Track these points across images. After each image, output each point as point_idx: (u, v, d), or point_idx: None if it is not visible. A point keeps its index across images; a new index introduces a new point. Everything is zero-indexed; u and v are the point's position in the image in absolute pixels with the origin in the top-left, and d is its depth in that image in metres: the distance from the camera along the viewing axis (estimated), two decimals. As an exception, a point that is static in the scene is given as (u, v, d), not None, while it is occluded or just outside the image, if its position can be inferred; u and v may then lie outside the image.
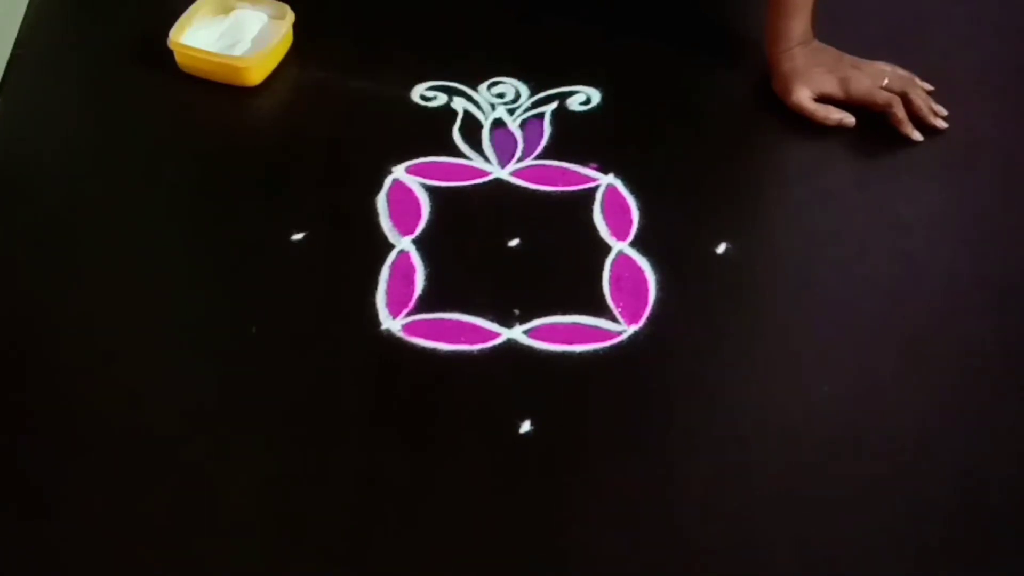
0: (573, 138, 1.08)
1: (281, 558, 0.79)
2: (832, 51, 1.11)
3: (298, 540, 0.80)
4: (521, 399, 0.88)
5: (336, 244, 0.99)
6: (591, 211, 1.02)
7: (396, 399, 0.88)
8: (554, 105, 1.12)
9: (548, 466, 0.84)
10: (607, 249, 0.99)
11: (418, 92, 1.12)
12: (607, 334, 0.92)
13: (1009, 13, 1.25)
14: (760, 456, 0.85)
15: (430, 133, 1.08)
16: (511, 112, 1.11)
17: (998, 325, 0.95)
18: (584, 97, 1.13)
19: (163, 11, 1.15)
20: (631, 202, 1.03)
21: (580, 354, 0.91)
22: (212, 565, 0.78)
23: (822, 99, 1.09)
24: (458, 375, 0.89)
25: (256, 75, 1.12)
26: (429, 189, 1.03)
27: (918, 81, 1.11)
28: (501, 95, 1.13)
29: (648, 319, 0.93)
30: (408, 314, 0.93)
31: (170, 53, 1.12)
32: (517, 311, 0.93)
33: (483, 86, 1.13)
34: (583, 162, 1.06)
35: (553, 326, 0.92)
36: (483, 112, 1.10)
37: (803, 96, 1.09)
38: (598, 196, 1.03)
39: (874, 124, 1.08)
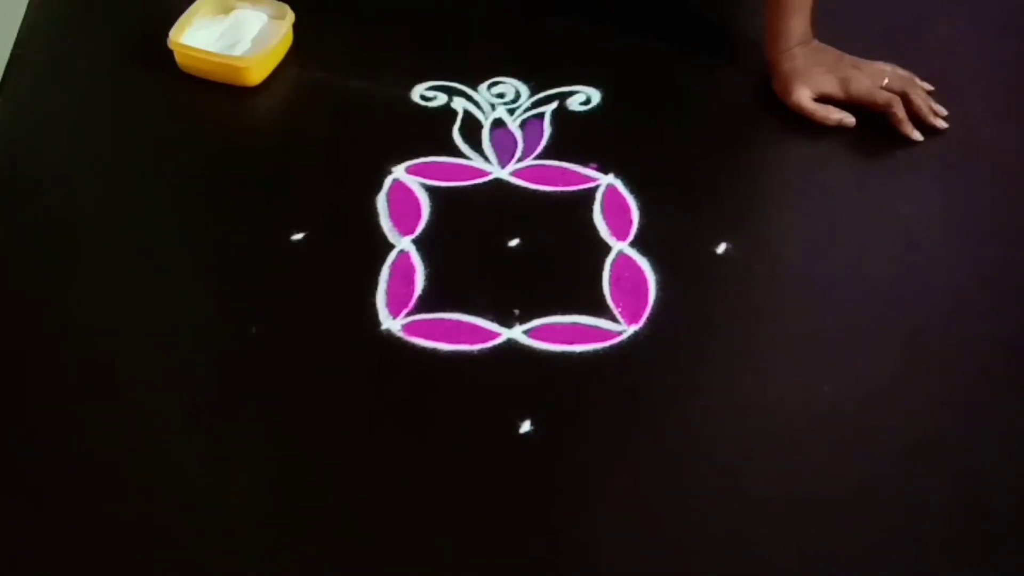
0: (573, 138, 1.08)
1: (281, 558, 0.79)
2: (832, 51, 1.11)
3: (298, 540, 0.80)
4: (521, 399, 0.88)
5: (336, 244, 0.99)
6: (591, 211, 1.02)
7: (396, 399, 0.88)
8: (554, 105, 1.12)
9: (548, 466, 0.84)
10: (607, 249, 0.99)
11: (418, 92, 1.12)
12: (607, 334, 0.92)
13: (1009, 13, 1.25)
14: (760, 456, 0.85)
15: (430, 133, 1.08)
16: (511, 112, 1.11)
17: (998, 325, 0.95)
18: (584, 97, 1.13)
19: (163, 11, 1.15)
20: (631, 202, 1.03)
21: (580, 354, 0.91)
22: (212, 565, 0.78)
23: (822, 99, 1.09)
24: (458, 375, 0.89)
25: (256, 75, 1.12)
26: (429, 189, 1.03)
27: (918, 81, 1.11)
28: (501, 95, 1.13)
29: (648, 319, 0.93)
30: (408, 314, 0.93)
31: (170, 53, 1.12)
32: (517, 311, 0.93)
33: (483, 86, 1.13)
34: (583, 162, 1.06)
35: (553, 326, 0.92)
36: (483, 112, 1.10)
37: (803, 96, 1.09)
38: (598, 196, 1.03)
39: (874, 124, 1.08)
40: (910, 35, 1.20)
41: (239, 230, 1.00)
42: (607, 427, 0.87)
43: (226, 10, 1.17)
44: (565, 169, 1.06)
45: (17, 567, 0.78)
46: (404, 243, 0.99)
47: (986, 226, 1.03)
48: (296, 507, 0.82)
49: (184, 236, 1.02)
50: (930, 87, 1.11)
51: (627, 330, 0.92)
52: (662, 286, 0.96)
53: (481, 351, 0.91)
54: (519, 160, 1.06)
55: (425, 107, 1.11)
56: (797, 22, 1.10)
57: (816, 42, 1.11)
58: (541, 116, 1.11)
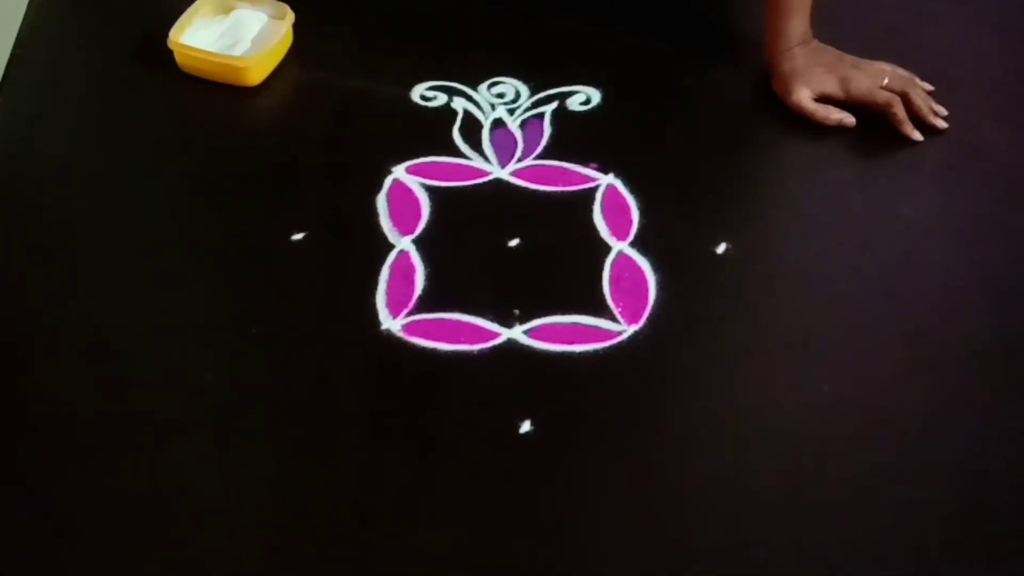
0: (573, 138, 1.08)
1: (281, 558, 0.79)
2: (832, 51, 1.11)
3: (298, 540, 0.80)
4: (521, 399, 0.88)
5: (336, 244, 0.99)
6: (591, 211, 1.02)
7: (396, 399, 0.88)
8: (554, 105, 1.12)
9: (548, 466, 0.84)
10: (607, 249, 0.99)
11: (418, 92, 1.12)
12: (607, 334, 0.92)
13: (1009, 13, 1.25)
14: (760, 456, 0.85)
15: (430, 133, 1.08)
16: (511, 112, 1.11)
17: (998, 324, 0.95)
18: (584, 97, 1.13)
19: (163, 11, 1.15)
20: (631, 202, 1.03)
21: (580, 354, 0.91)
22: (212, 565, 0.78)
23: (822, 99, 1.09)
24: (458, 375, 0.89)
25: (256, 75, 1.12)
26: (429, 189, 1.03)
27: (918, 81, 1.11)
28: (501, 95, 1.13)
29: (648, 319, 0.93)
30: (408, 314, 0.93)
31: (170, 53, 1.12)
32: (517, 311, 0.93)
33: (483, 86, 1.13)
34: (583, 162, 1.06)
35: (553, 326, 0.92)
36: (483, 112, 1.10)
37: (803, 96, 1.09)
38: (598, 196, 1.03)
39: (874, 124, 1.08)
40: (910, 35, 1.20)
41: (239, 230, 1.00)
42: (607, 427, 0.87)
43: (226, 10, 1.17)
44: (565, 169, 1.06)
45: (17, 567, 0.78)
46: (404, 243, 0.99)
47: (986, 226, 1.03)
48: (296, 507, 0.82)
49: (184, 236, 1.02)
50: (930, 87, 1.11)
51: (627, 330, 0.92)
52: (662, 286, 0.96)
53: (481, 351, 0.91)
54: (519, 160, 1.06)
55: (425, 107, 1.11)
56: (797, 22, 1.10)
57: (816, 42, 1.11)
58: (541, 116, 1.11)
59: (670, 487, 0.84)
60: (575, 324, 0.93)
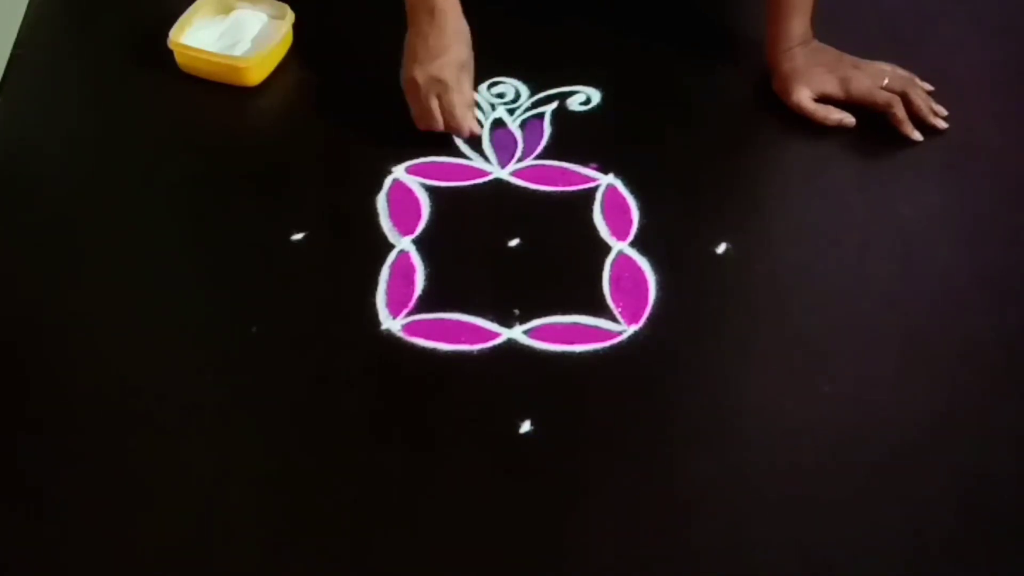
0: (573, 138, 1.08)
1: (281, 558, 0.79)
2: (832, 51, 1.11)
3: (298, 540, 0.80)
4: (521, 399, 0.88)
5: (336, 244, 0.99)
6: (591, 211, 1.02)
7: (396, 399, 0.88)
8: (554, 105, 1.12)
9: (548, 466, 0.84)
10: (607, 249, 0.99)
11: (418, 92, 1.12)
12: (607, 334, 0.92)
13: (1009, 13, 1.25)
14: (760, 456, 0.85)
15: (430, 133, 1.07)
16: (511, 112, 1.11)
17: (998, 325, 0.95)
18: (584, 97, 1.13)
19: (163, 11, 1.15)
20: (631, 202, 1.03)
21: (580, 354, 0.91)
22: (212, 565, 0.78)
23: (822, 99, 1.09)
24: (458, 375, 0.89)
25: (256, 75, 1.12)
26: (429, 189, 1.03)
27: (918, 81, 1.11)
28: (501, 95, 1.13)
29: (648, 319, 0.93)
30: (408, 314, 0.93)
31: (170, 53, 1.12)
32: (517, 311, 0.93)
33: (483, 86, 1.13)
34: (583, 162, 1.06)
35: (553, 326, 0.92)
36: (483, 112, 1.10)
37: (803, 96, 1.09)
38: (598, 196, 1.03)
39: (874, 124, 1.08)
40: (910, 35, 1.20)
41: (239, 230, 1.00)
42: (607, 427, 0.87)
43: (226, 10, 1.17)
44: (565, 169, 1.06)
45: (17, 567, 0.78)
46: (404, 243, 0.99)
47: (986, 226, 1.03)
48: (296, 507, 0.82)
49: (184, 236, 1.02)
50: (930, 87, 1.11)
51: (627, 330, 0.92)
52: (662, 286, 0.96)
53: (481, 351, 0.91)
54: (519, 160, 1.06)
55: (425, 107, 1.11)
56: (797, 22, 1.10)
57: (816, 42, 1.11)
58: (541, 116, 1.11)
59: (670, 487, 0.84)
60: (575, 324, 0.93)
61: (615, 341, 0.92)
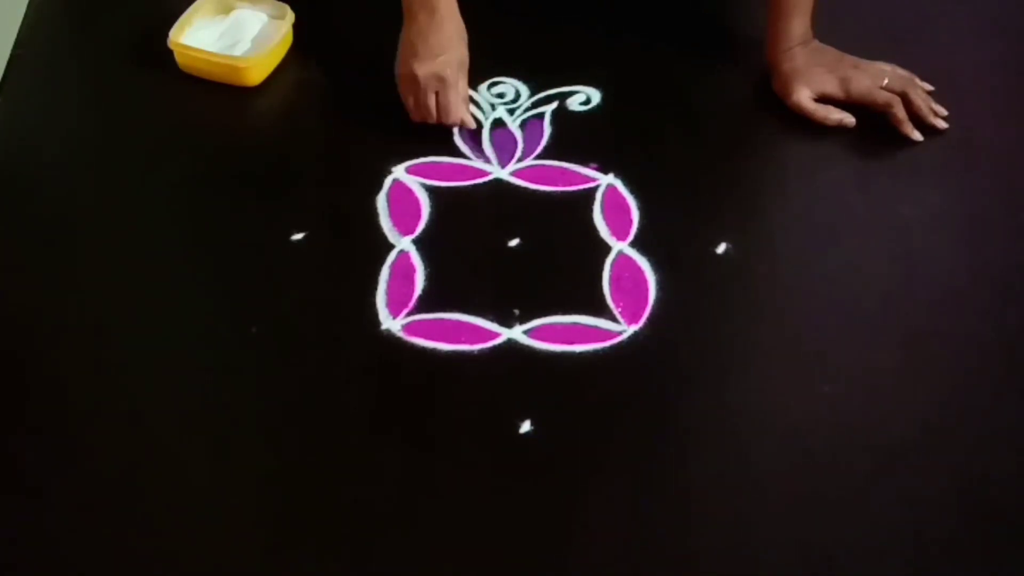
0: (573, 138, 1.08)
1: (281, 558, 0.79)
2: (832, 51, 1.11)
3: (298, 540, 0.80)
4: (521, 399, 0.88)
5: (336, 244, 0.99)
6: (591, 211, 1.02)
7: (396, 399, 0.88)
8: (554, 105, 1.12)
9: (548, 466, 0.84)
10: (607, 249, 0.99)
11: (418, 92, 1.12)
12: (607, 334, 0.92)
13: (1010, 13, 1.25)
14: (760, 455, 0.85)
15: (430, 133, 1.08)
16: (511, 112, 1.11)
17: (998, 324, 0.95)
18: (584, 97, 1.13)
19: (163, 11, 1.15)
20: (631, 202, 1.03)
21: (580, 354, 0.91)
22: (212, 564, 0.78)
23: (822, 99, 1.09)
24: (458, 375, 0.89)
25: (256, 75, 1.12)
26: (429, 189, 1.03)
27: (918, 81, 1.11)
28: (501, 95, 1.13)
29: (648, 319, 0.93)
30: (408, 314, 0.93)
31: (170, 53, 1.12)
32: (517, 311, 0.93)
33: (483, 86, 1.13)
34: (583, 162, 1.06)
35: (553, 326, 0.92)
36: (483, 112, 1.10)
37: (803, 96, 1.09)
38: (598, 196, 1.03)
39: (874, 124, 1.08)
40: (910, 35, 1.20)
41: (239, 230, 1.00)
42: (607, 427, 0.87)
43: (226, 10, 1.17)
44: (565, 169, 1.06)
45: (17, 567, 0.78)
46: (404, 243, 0.99)
47: (986, 226, 1.03)
48: (296, 507, 0.82)
49: (184, 236, 1.02)
50: (930, 87, 1.11)
51: (627, 330, 0.92)
52: (662, 286, 0.96)
53: (481, 351, 0.91)
54: (519, 160, 1.06)
55: (425, 107, 1.11)
56: (797, 22, 1.10)
57: (816, 42, 1.11)
58: (541, 116, 1.11)
59: (670, 487, 0.84)
60: (575, 324, 0.93)
61: (615, 341, 0.92)
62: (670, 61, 1.17)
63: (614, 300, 0.94)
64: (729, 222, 1.01)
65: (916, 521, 0.82)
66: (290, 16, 1.16)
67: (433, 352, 0.91)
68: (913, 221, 1.02)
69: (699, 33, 1.20)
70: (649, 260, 0.98)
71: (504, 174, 1.05)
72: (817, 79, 1.09)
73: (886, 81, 1.09)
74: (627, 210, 1.02)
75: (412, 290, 0.95)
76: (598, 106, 1.12)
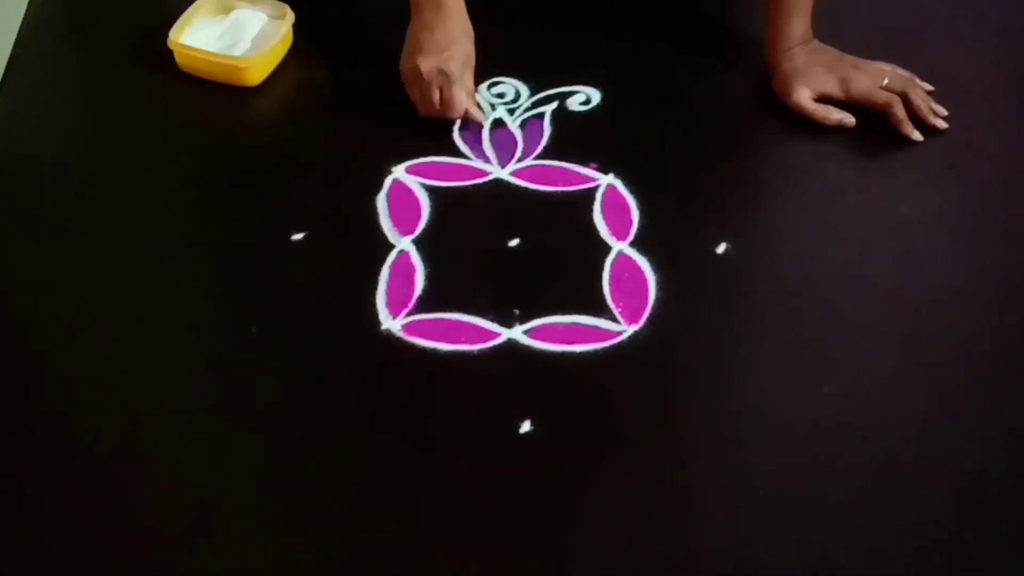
0: (573, 138, 1.08)
1: (281, 558, 0.79)
2: (832, 51, 1.11)
3: (298, 540, 0.80)
4: (521, 399, 0.88)
5: (336, 244, 0.99)
6: (591, 211, 1.02)
7: (396, 399, 0.88)
8: (554, 105, 1.12)
9: (548, 466, 0.84)
10: (607, 249, 0.99)
11: (418, 92, 1.12)
12: (607, 334, 0.92)
13: (1009, 14, 1.25)
14: (760, 456, 0.85)
15: (430, 133, 1.08)
16: (511, 112, 1.11)
17: (998, 325, 0.95)
18: (584, 97, 1.13)
19: (163, 11, 1.15)
20: (631, 202, 1.03)
21: (580, 354, 0.91)
22: (212, 565, 0.78)
23: (822, 99, 1.09)
24: (458, 375, 0.89)
25: (256, 75, 1.12)
26: (429, 189, 1.03)
27: (918, 81, 1.11)
28: (501, 95, 1.13)
29: (648, 319, 0.93)
30: (408, 314, 0.93)
31: (170, 53, 1.12)
32: (517, 311, 0.93)
33: (483, 86, 1.13)
34: (583, 162, 1.06)
35: (553, 326, 0.92)
36: (483, 112, 1.10)
37: (803, 96, 1.09)
38: (598, 196, 1.03)
39: (874, 124, 1.08)
40: (910, 35, 1.20)
41: (239, 230, 1.00)
42: (607, 427, 0.87)
43: (226, 10, 1.17)
44: (565, 169, 1.06)
45: (17, 567, 0.78)
46: (404, 243, 0.99)
47: (986, 226, 1.03)
48: (296, 507, 0.82)
49: (184, 236, 1.02)
50: (930, 87, 1.11)
51: (627, 330, 0.92)
52: (662, 286, 0.96)
53: (481, 351, 0.91)
54: (519, 160, 1.06)
55: (425, 107, 1.11)
56: (797, 22, 1.10)
57: (816, 42, 1.11)
58: (541, 116, 1.11)
59: (670, 487, 0.84)
60: (575, 324, 0.93)
61: (615, 341, 0.92)
62: (670, 61, 1.17)
63: (614, 300, 0.94)
64: (729, 222, 1.01)
65: (916, 521, 0.82)
66: (290, 16, 1.16)
67: (433, 352, 0.91)
68: (913, 221, 1.02)
69: (699, 33, 1.20)
70: (649, 260, 0.98)
71: (504, 174, 1.05)
72: (817, 79, 1.09)
73: (886, 81, 1.09)
74: (627, 210, 1.02)
75: (412, 290, 0.95)
76: (598, 106, 1.12)
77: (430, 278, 0.96)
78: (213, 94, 1.12)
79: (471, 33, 1.07)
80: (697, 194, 1.05)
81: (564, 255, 0.99)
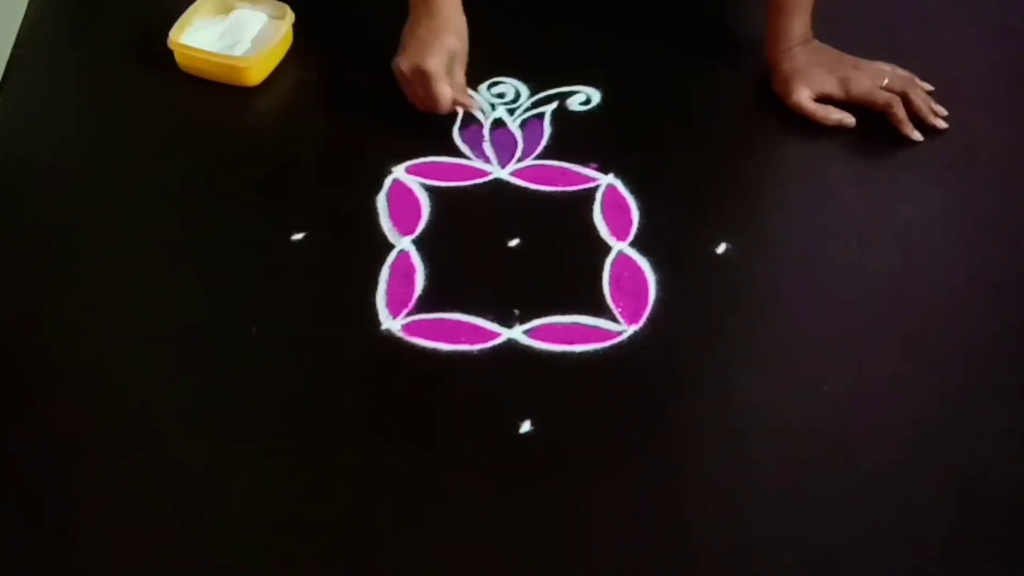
0: (573, 138, 1.08)
1: (281, 558, 0.79)
2: (832, 51, 1.11)
3: (298, 540, 0.80)
4: (521, 399, 0.88)
5: (336, 244, 0.99)
6: (591, 211, 1.02)
7: (396, 399, 0.88)
8: (554, 105, 1.12)
9: (548, 466, 0.84)
10: (607, 249, 0.99)
11: (418, 92, 1.12)
12: (607, 334, 0.92)
13: (1009, 14, 1.25)
14: (760, 456, 0.85)
15: (430, 133, 1.08)
16: (511, 112, 1.11)
17: (998, 324, 0.95)
18: (584, 97, 1.13)
19: (163, 11, 1.15)
20: (631, 202, 1.03)
21: (580, 354, 0.91)
22: (212, 565, 0.78)
23: (822, 99, 1.09)
24: (458, 375, 0.89)
25: (256, 75, 1.12)
26: (429, 189, 1.03)
27: (918, 81, 1.11)
28: (501, 95, 1.13)
29: (648, 319, 0.93)
30: (408, 314, 0.93)
31: (170, 53, 1.12)
32: (517, 311, 0.93)
33: (483, 86, 1.13)
34: (583, 162, 1.06)
35: (553, 326, 0.92)
36: (482, 110, 1.10)
37: (803, 96, 1.09)
38: (598, 196, 1.03)
39: (874, 124, 1.08)
40: (910, 35, 1.20)
41: (239, 230, 1.00)
42: (607, 427, 0.87)
43: (226, 10, 1.17)
44: (565, 169, 1.06)
45: (17, 567, 0.78)
46: (404, 243, 0.99)
47: (986, 226, 1.03)
48: (296, 507, 0.82)
49: (184, 236, 1.02)
50: (930, 87, 1.11)
51: (627, 330, 0.92)
52: (662, 286, 0.96)
53: (481, 351, 0.91)
54: (519, 160, 1.06)
55: (425, 107, 1.11)
56: (797, 22, 1.10)
57: (816, 42, 1.11)
58: (541, 116, 1.11)
59: (670, 487, 0.84)
60: (575, 324, 0.93)
61: (615, 341, 0.92)
62: (670, 61, 1.17)
63: (614, 300, 0.94)
64: (729, 222, 1.02)
65: (916, 521, 0.82)
66: (290, 16, 1.16)
67: (433, 352, 0.91)
68: (913, 221, 1.02)
69: (699, 33, 1.20)
70: (649, 260, 0.98)
71: (504, 174, 1.05)
72: (817, 79, 1.09)
73: (886, 81, 1.09)
74: (627, 210, 1.02)
75: (412, 290, 0.95)
76: (598, 106, 1.12)
77: (430, 278, 0.96)
78: (213, 94, 1.12)
79: (461, 28, 1.07)
80: (697, 194, 1.05)
81: (564, 255, 0.99)
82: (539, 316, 0.93)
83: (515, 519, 0.81)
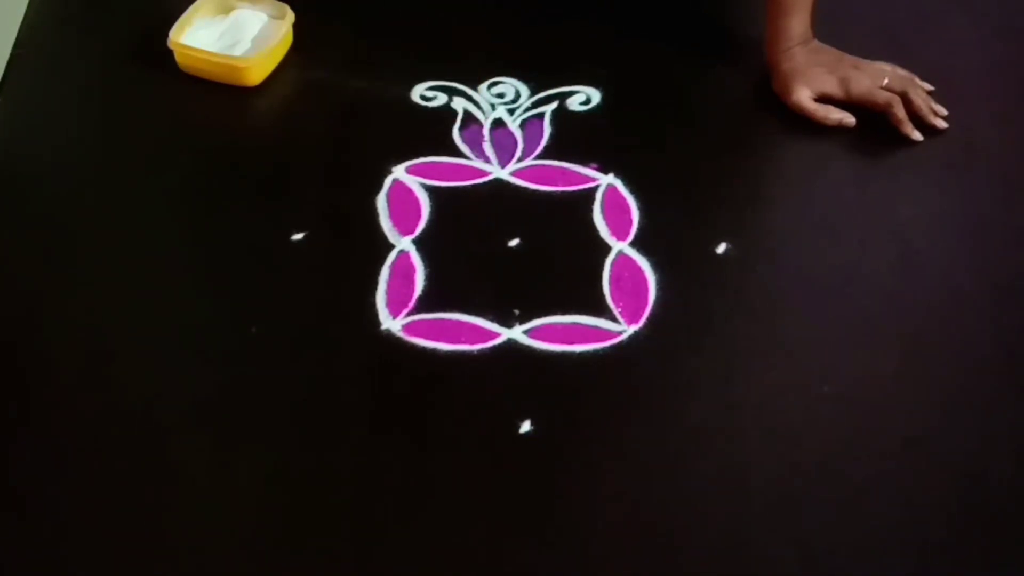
0: (573, 138, 1.08)
1: (281, 558, 0.79)
2: (832, 51, 1.11)
3: (298, 540, 0.80)
4: (521, 399, 0.88)
5: (336, 244, 0.99)
6: (591, 211, 1.02)
7: (396, 399, 0.88)
8: (554, 105, 1.12)
9: (548, 466, 0.84)
10: (607, 249, 0.99)
11: (418, 92, 1.12)
12: (607, 334, 0.92)
13: (1009, 14, 1.25)
14: (760, 456, 0.85)
15: (430, 133, 1.08)
16: (511, 112, 1.11)
17: (998, 325, 0.95)
18: (584, 97, 1.13)
19: (163, 11, 1.15)
20: (631, 202, 1.03)
21: (580, 354, 0.91)
22: (212, 565, 0.78)
23: (822, 99, 1.09)
24: (458, 375, 0.89)
25: (256, 75, 1.12)
26: (429, 189, 1.03)
27: (918, 81, 1.11)
28: (501, 95, 1.13)
29: (648, 319, 0.93)
30: (408, 314, 0.93)
31: (170, 53, 1.12)
32: (517, 311, 0.93)
33: (483, 86, 1.13)
34: (583, 162, 1.06)
35: (553, 326, 0.92)
36: (483, 112, 1.10)
37: (803, 96, 1.09)
38: (598, 196, 1.03)
39: (874, 124, 1.08)
40: (910, 35, 1.20)
41: (239, 230, 1.00)
42: (607, 427, 0.87)
43: (226, 10, 1.17)
44: (565, 169, 1.06)
45: (15, 568, 0.78)
46: (404, 243, 0.99)
47: (986, 226, 1.03)
48: (296, 507, 0.82)
49: (184, 236, 1.02)
50: (930, 87, 1.11)
51: (627, 330, 0.92)
52: (662, 286, 0.96)
53: (481, 351, 0.91)
54: (519, 160, 1.06)
55: (425, 107, 1.11)
56: (797, 22, 1.10)
57: (816, 42, 1.11)
58: (541, 116, 1.11)
59: (670, 487, 0.84)
60: (575, 324, 0.93)
61: (615, 341, 0.92)
62: (670, 61, 1.17)
63: (614, 300, 0.94)
64: (729, 222, 1.02)
65: (916, 521, 0.82)
66: (290, 16, 1.16)
67: (433, 352, 0.91)
68: (913, 221, 1.02)
69: (699, 33, 1.20)
70: (649, 260, 0.98)
71: (504, 174, 1.05)
72: (817, 79, 1.09)
73: (886, 81, 1.09)
74: (627, 210, 1.02)
75: (412, 290, 0.95)
76: (598, 106, 1.12)
77: (430, 278, 0.96)
78: (213, 94, 1.12)
79: None
80: (697, 194, 1.05)
81: (564, 255, 0.99)
82: (539, 316, 0.93)
83: (515, 519, 0.81)
